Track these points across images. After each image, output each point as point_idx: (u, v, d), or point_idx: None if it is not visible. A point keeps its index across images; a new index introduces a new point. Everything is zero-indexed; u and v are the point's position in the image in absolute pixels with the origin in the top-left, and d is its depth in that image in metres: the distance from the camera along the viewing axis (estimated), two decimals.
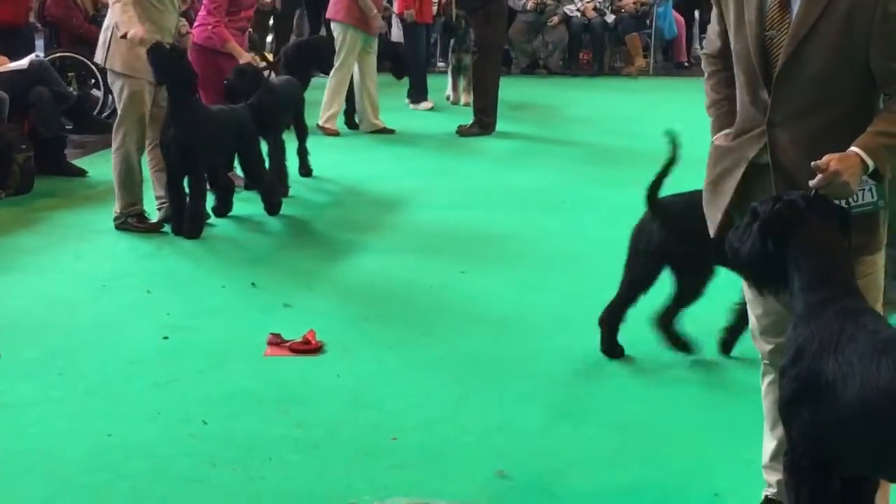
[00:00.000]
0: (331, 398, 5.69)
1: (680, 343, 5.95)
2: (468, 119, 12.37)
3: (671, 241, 5.86)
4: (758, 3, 3.97)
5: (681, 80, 16.83)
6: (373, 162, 11.33)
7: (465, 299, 6.92)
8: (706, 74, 4.35)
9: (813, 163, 3.76)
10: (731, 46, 4.06)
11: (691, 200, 5.35)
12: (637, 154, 10.46)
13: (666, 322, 5.93)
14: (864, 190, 3.98)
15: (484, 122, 12.19)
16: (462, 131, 12.19)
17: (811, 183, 3.76)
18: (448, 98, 14.12)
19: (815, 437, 3.76)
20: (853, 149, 3.81)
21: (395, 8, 13.91)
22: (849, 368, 3.62)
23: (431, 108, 13.97)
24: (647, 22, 17.69)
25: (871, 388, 3.54)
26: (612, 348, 5.93)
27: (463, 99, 13.92)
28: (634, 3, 17.01)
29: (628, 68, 17.18)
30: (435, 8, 14.83)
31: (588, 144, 11.67)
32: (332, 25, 12.42)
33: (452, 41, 14.62)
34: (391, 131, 12.54)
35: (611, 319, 5.97)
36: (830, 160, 3.77)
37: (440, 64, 16.88)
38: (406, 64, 13.16)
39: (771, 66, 3.98)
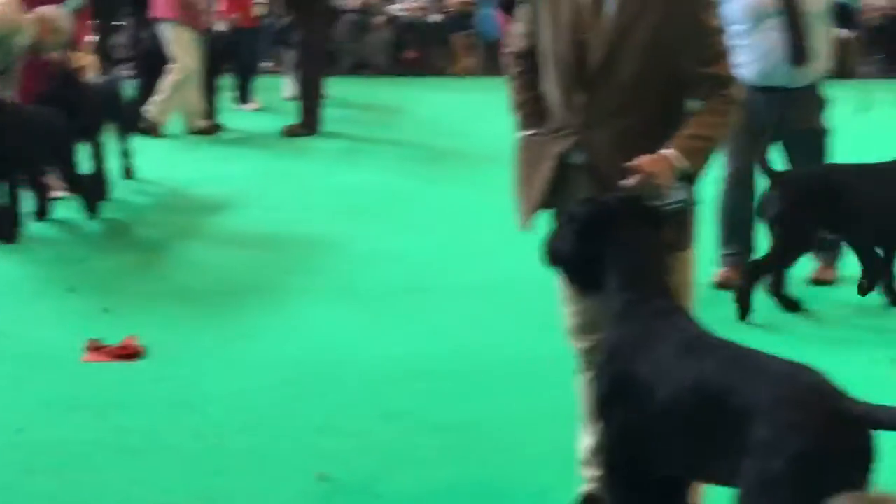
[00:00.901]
0: (151, 403, 5.61)
1: (790, 303, 6.52)
2: (296, 119, 12.44)
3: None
4: (571, 5, 4.02)
5: (504, 79, 16.99)
6: (198, 163, 11.27)
7: (289, 302, 6.89)
8: (513, 74, 4.38)
9: (626, 164, 3.83)
10: (544, 47, 4.10)
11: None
12: (462, 152, 10.57)
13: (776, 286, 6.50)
14: (677, 188, 4.04)
15: (309, 123, 12.22)
16: (288, 131, 12.19)
17: (624, 183, 3.81)
18: (286, 97, 14.19)
19: (631, 436, 3.80)
20: (665, 150, 3.89)
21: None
22: (661, 368, 3.67)
23: (258, 109, 13.93)
24: (471, 22, 17.79)
25: (679, 386, 3.58)
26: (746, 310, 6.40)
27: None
28: (459, 4, 17.08)
29: (453, 68, 17.30)
30: (265, 8, 14.81)
31: (414, 143, 11.78)
32: (161, 24, 12.34)
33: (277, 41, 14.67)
34: (216, 129, 12.52)
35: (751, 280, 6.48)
36: (643, 161, 3.85)
37: (266, 64, 16.73)
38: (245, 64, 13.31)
39: (585, 69, 4.02)
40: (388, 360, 5.68)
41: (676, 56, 4.00)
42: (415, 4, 17.44)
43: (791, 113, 7.03)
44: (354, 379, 5.51)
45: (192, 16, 12.15)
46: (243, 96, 14.11)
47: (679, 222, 4.13)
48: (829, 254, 7.17)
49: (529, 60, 4.28)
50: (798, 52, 6.99)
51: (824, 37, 7.17)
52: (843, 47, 16.53)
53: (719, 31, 4.10)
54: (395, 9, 17.39)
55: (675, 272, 4.12)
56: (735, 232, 7.29)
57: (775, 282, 6.61)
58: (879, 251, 6.77)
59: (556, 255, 4.04)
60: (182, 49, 12.11)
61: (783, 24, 6.98)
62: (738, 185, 7.27)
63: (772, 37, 6.95)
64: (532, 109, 4.29)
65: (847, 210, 6.59)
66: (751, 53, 7.02)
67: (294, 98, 13.22)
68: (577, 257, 3.98)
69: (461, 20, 17.11)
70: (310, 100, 12.37)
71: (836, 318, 6.70)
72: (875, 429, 3.22)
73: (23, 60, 9.39)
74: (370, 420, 4.99)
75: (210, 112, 12.71)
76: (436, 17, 17.50)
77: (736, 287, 6.69)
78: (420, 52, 17.59)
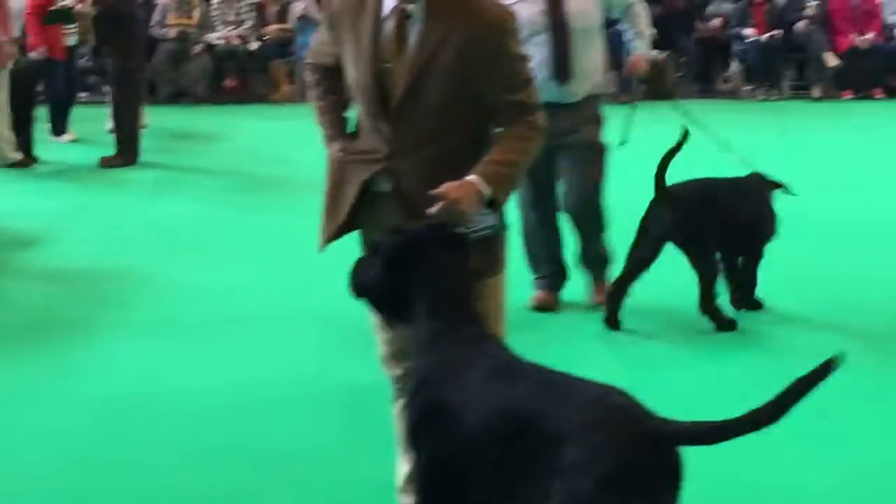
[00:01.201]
0: None
1: (724, 322, 6.59)
2: (112, 149, 12.23)
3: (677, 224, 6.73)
4: (372, 33, 4.03)
5: None
6: (9, 196, 10.96)
7: (102, 337, 6.74)
8: (313, 81, 4.39)
9: (432, 191, 3.83)
10: (348, 73, 4.11)
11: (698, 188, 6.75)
12: (282, 179, 10.55)
13: (706, 303, 6.59)
14: (485, 214, 4.06)
15: (127, 153, 12.06)
16: (105, 163, 11.99)
17: (430, 211, 3.83)
18: (108, 129, 13.80)
19: (442, 463, 3.78)
20: (470, 177, 3.90)
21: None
22: (470, 394, 3.66)
23: (74, 140, 13.61)
24: (291, 49, 17.73)
25: (490, 412, 3.59)
26: (614, 322, 6.60)
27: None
28: (277, 31, 17.05)
29: (273, 95, 17.25)
30: (76, 38, 14.41)
31: (234, 172, 11.68)
32: None
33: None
34: (31, 162, 12.27)
35: (618, 294, 6.64)
36: (449, 188, 3.85)
37: (83, 95, 16.41)
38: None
39: (389, 97, 4.04)
40: (205, 393, 5.62)
41: (480, 84, 4.02)
42: (233, 32, 17.26)
43: (560, 128, 6.93)
44: (171, 413, 5.44)
45: None
46: (57, 128, 13.81)
47: (488, 248, 4.14)
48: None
49: (328, 72, 4.30)
50: (561, 68, 7.02)
51: (594, 54, 7.22)
52: (656, 67, 16.98)
53: (522, 59, 4.13)
54: (213, 37, 17.17)
55: (486, 298, 4.14)
56: (542, 254, 7.39)
57: (707, 300, 6.71)
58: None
59: (362, 285, 4.04)
60: None
61: (549, 40, 7.04)
62: (536, 208, 7.34)
63: (542, 52, 6.97)
64: (335, 116, 4.31)
65: (723, 222, 6.81)
66: None
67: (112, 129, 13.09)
68: (382, 288, 3.98)
69: (280, 48, 17.04)
70: (126, 130, 12.20)
71: (657, 335, 6.80)
72: (683, 445, 3.27)
73: None
74: (188, 455, 4.93)
75: (25, 144, 12.45)
76: (254, 45, 17.41)
77: (607, 304, 6.83)
78: (239, 80, 17.54)
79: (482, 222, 4.09)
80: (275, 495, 4.65)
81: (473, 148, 4.01)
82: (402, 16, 4.03)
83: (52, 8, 13.11)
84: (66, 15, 13.54)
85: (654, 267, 6.77)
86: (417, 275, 3.90)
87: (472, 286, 3.99)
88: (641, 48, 7.33)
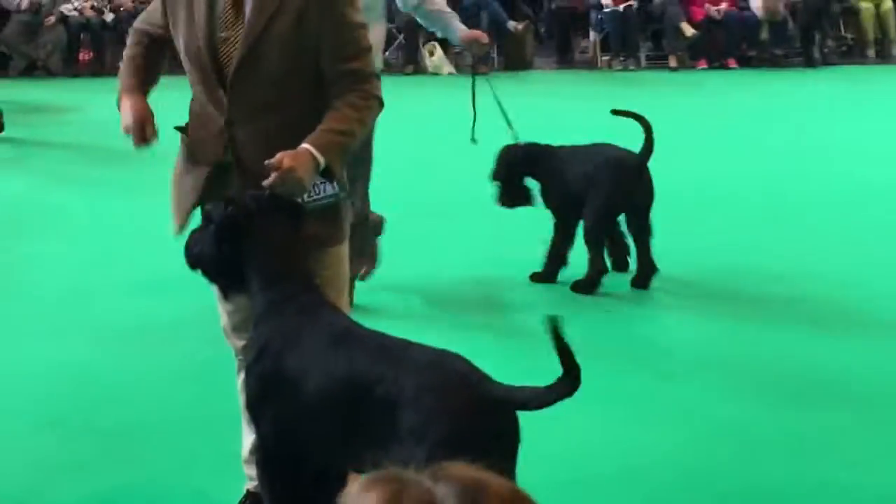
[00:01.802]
0: None
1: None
2: None
3: None
4: (207, 4, 4.02)
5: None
6: None
7: None
8: (129, 44, 4.32)
9: (266, 161, 3.86)
10: (180, 45, 4.10)
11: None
12: (135, 154, 10.48)
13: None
14: (324, 183, 4.11)
15: None
16: None
17: (265, 182, 3.84)
18: None
19: (283, 432, 3.85)
20: (305, 145, 3.92)
21: None
22: (308, 362, 3.72)
23: None
24: None
25: (329, 380, 3.66)
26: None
27: None
28: (133, 2, 16.85)
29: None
30: None
31: (86, 147, 11.52)
32: None
33: None
34: None
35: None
36: (283, 157, 3.87)
37: None
38: None
39: (225, 67, 4.04)
40: (44, 367, 5.58)
41: (318, 52, 4.02)
42: (87, 4, 16.96)
43: None
44: (8, 388, 5.39)
45: None
46: None
47: (330, 217, 4.18)
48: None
49: (151, 38, 4.26)
50: None
51: (374, 32, 7.04)
52: (516, 39, 17.27)
53: (360, 27, 4.14)
54: (66, 8, 16.88)
55: (328, 267, 4.20)
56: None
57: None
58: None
59: (195, 257, 4.06)
60: None
61: None
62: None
63: None
64: (140, 69, 4.22)
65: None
66: None
67: None
68: (215, 259, 4.00)
69: (135, 19, 16.93)
70: None
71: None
72: (519, 409, 3.37)
73: None
74: (26, 429, 4.89)
75: None
76: (109, 17, 17.11)
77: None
78: (94, 52, 17.27)
79: (322, 191, 4.13)
80: (115, 468, 4.65)
81: (313, 119, 4.02)
82: None
83: None
84: None
85: None
86: (250, 245, 3.93)
87: (307, 255, 4.04)
88: (462, 27, 7.36)
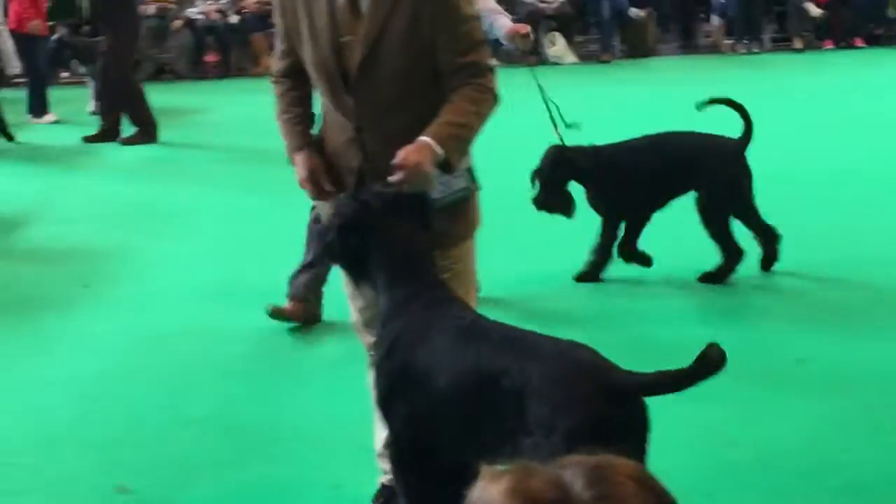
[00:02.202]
0: None
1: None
2: (95, 129, 12.23)
3: None
4: (328, 10, 4.05)
5: None
6: None
7: (83, 315, 6.77)
8: (276, 96, 4.38)
9: (393, 162, 3.85)
10: (307, 58, 4.13)
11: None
12: (266, 153, 10.53)
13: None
14: (459, 177, 4.10)
15: (145, 132, 12.13)
16: (126, 142, 12.06)
17: (392, 179, 3.85)
18: (91, 110, 13.88)
19: (415, 426, 3.88)
20: (423, 138, 3.91)
21: (9, 23, 13.63)
22: (438, 357, 3.73)
23: (55, 121, 13.63)
24: (270, 21, 17.48)
25: (459, 374, 3.67)
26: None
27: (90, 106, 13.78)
28: (257, 3, 17.03)
29: (256, 68, 17.17)
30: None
31: (217, 148, 11.71)
32: None
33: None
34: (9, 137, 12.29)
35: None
36: (407, 153, 3.88)
37: (64, 75, 16.61)
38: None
39: (349, 71, 4.06)
40: (182, 366, 5.67)
41: (434, 47, 4.01)
42: (212, 7, 17.22)
43: None
44: (151, 387, 5.49)
45: None
46: (37, 108, 13.79)
47: (461, 212, 4.18)
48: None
49: (291, 80, 4.31)
50: None
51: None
52: (638, 26, 17.34)
53: (474, 19, 4.14)
54: (192, 12, 17.18)
55: (459, 261, 4.20)
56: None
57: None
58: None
59: (326, 248, 4.14)
60: None
61: None
62: None
63: None
64: (301, 128, 4.31)
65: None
66: None
67: (97, 110, 13.08)
68: (345, 256, 4.04)
69: (260, 20, 17.02)
70: (115, 108, 12.20)
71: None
72: (647, 395, 3.35)
73: None
74: (167, 428, 4.98)
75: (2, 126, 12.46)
76: (234, 19, 17.40)
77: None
78: (220, 54, 17.51)
79: (454, 185, 4.15)
80: (253, 464, 4.71)
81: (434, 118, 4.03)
82: None
83: None
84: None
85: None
86: (374, 246, 3.97)
87: (432, 251, 4.04)
88: (507, 23, 7.30)
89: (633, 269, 7.02)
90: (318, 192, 4.24)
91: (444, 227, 4.15)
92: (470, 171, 4.23)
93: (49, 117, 13.74)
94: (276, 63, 4.39)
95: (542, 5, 17.71)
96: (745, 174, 6.96)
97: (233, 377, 5.56)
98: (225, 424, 4.98)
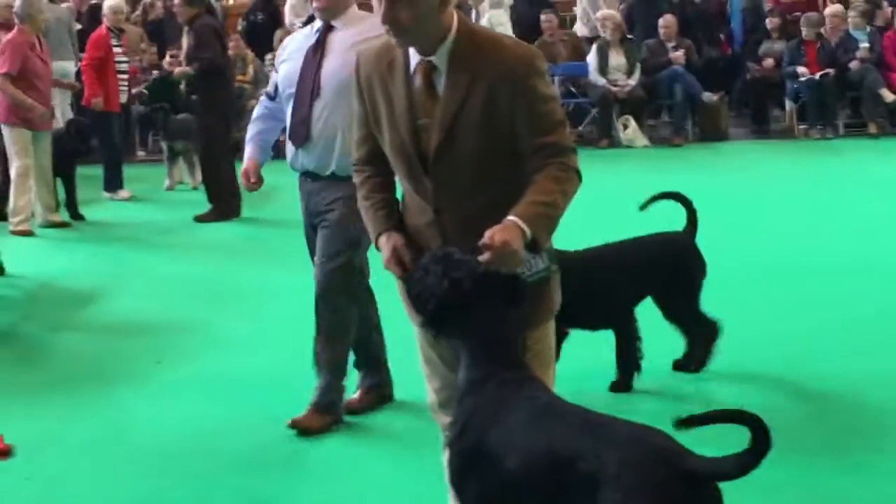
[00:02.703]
0: (16, 502, 5.62)
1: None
2: (170, 206, 12.56)
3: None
4: (406, 93, 4.09)
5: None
6: (67, 255, 11.32)
7: (160, 390, 6.85)
8: (358, 184, 4.42)
9: (480, 242, 3.86)
10: (386, 142, 4.20)
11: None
12: None
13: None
14: (535, 258, 4.08)
15: (220, 208, 12.37)
16: (200, 218, 12.33)
17: (481, 258, 3.87)
18: (166, 187, 14.25)
19: None
20: (511, 218, 3.89)
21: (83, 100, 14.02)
22: (511, 437, 3.73)
23: (130, 198, 13.98)
24: None
25: (530, 455, 3.66)
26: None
27: (191, 182, 14.14)
28: None
29: None
30: (125, 97, 14.95)
31: (297, 225, 11.47)
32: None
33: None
34: (66, 224, 12.63)
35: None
36: (494, 233, 3.86)
37: (140, 153, 17.08)
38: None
39: (427, 154, 4.11)
40: (251, 447, 5.73)
41: (513, 129, 4.03)
42: None
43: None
44: (226, 467, 5.55)
45: (24, 118, 12.29)
46: (112, 184, 14.14)
47: (542, 293, 4.19)
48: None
49: (372, 166, 4.35)
50: None
51: None
52: (711, 110, 17.74)
53: (552, 99, 4.13)
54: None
55: (537, 342, 4.23)
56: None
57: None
58: None
59: (422, 309, 4.11)
60: (17, 148, 12.40)
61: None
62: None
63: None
64: (385, 212, 4.34)
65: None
66: None
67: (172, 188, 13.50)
68: (436, 327, 4.04)
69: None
70: (223, 185, 12.48)
71: None
72: (720, 481, 3.37)
73: None
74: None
75: (71, 204, 12.90)
76: None
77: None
78: None
79: (535, 265, 4.14)
80: None
81: (514, 200, 4.03)
82: (427, 70, 4.12)
83: (156, 77, 14.21)
84: (171, 84, 14.54)
85: None
86: (459, 325, 3.97)
87: (515, 334, 4.04)
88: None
89: None
90: (403, 272, 4.24)
91: (525, 308, 4.12)
92: (550, 252, 4.21)
93: (124, 193, 14.05)
94: (356, 151, 4.43)
95: (614, 88, 17.69)
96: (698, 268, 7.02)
97: (301, 458, 5.59)
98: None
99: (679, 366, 6.99)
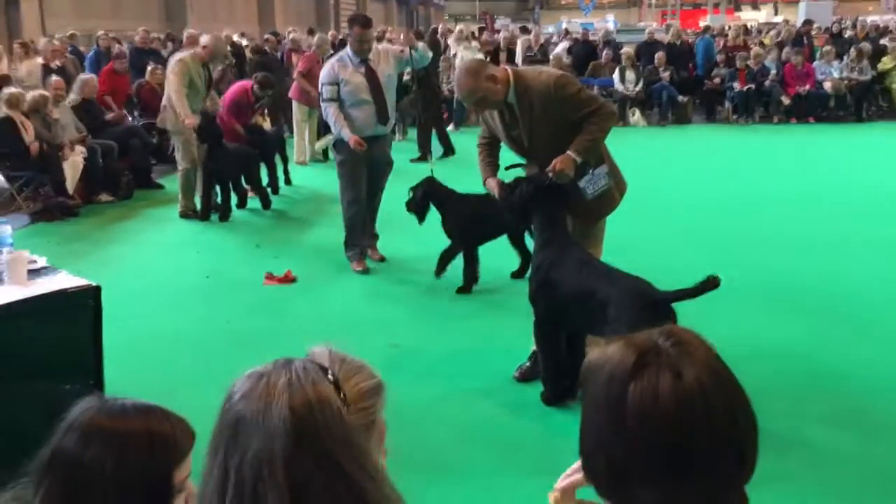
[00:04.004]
0: (299, 308, 7.48)
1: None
2: None
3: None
4: (500, 119, 5.40)
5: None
6: (323, 173, 13.98)
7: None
8: (478, 150, 5.70)
9: (547, 168, 5.13)
10: (501, 139, 5.59)
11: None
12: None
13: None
14: (600, 176, 5.31)
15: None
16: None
17: (548, 171, 5.15)
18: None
19: (549, 312, 5.15)
20: (568, 151, 5.13)
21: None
22: (564, 276, 4.92)
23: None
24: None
25: (574, 286, 4.87)
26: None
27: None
28: None
29: None
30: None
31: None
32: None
33: None
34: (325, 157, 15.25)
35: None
36: (555, 162, 5.13)
37: None
38: None
39: (523, 144, 5.38)
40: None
41: (566, 115, 5.22)
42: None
43: (383, 152, 9.01)
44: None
45: (308, 98, 15.05)
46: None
47: (607, 199, 5.38)
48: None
49: (487, 141, 5.69)
50: (383, 115, 8.87)
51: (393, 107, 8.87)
52: (683, 107, 21.38)
53: (581, 91, 5.28)
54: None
55: (598, 229, 5.51)
56: (354, 234, 9.06)
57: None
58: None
59: (510, 208, 5.45)
60: (300, 115, 15.60)
61: (373, 99, 8.76)
62: (356, 203, 8.96)
63: (368, 107, 8.73)
64: (490, 161, 5.66)
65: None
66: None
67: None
68: (518, 213, 5.39)
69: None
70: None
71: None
72: (676, 301, 4.58)
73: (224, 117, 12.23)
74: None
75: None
76: None
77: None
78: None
79: (598, 183, 5.27)
80: None
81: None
82: (507, 106, 5.30)
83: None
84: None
85: None
86: (535, 208, 5.22)
87: (565, 217, 5.22)
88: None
89: None
90: (502, 193, 5.43)
91: (594, 207, 5.35)
92: (608, 174, 5.33)
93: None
94: (481, 137, 5.65)
95: (627, 92, 20.96)
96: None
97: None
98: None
99: (514, 275, 8.44)
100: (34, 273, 5.10)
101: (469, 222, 8.20)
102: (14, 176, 12.39)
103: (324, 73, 8.73)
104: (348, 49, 8.82)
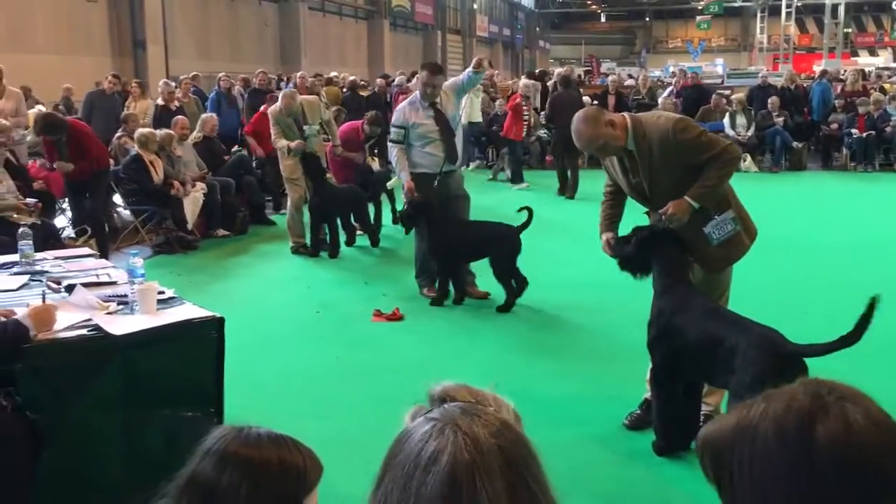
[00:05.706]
0: (405, 342, 7.51)
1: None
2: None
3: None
4: (621, 167, 5.29)
5: None
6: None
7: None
8: (603, 197, 5.62)
9: (660, 210, 5.05)
10: (622, 188, 5.48)
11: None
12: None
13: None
14: (725, 221, 5.11)
15: None
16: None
17: (661, 213, 5.06)
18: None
19: (669, 359, 4.95)
20: (685, 197, 5.00)
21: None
22: (690, 322, 4.76)
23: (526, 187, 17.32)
24: None
25: (701, 333, 4.69)
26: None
27: None
28: None
29: None
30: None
31: None
32: None
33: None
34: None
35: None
36: (669, 206, 5.01)
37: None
38: None
39: (644, 192, 5.22)
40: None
41: (687, 160, 5.07)
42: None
43: (456, 184, 9.30)
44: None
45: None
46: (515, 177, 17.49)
47: (735, 244, 5.21)
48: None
49: (613, 190, 5.57)
50: (452, 154, 9.19)
51: (459, 146, 9.26)
52: (798, 153, 20.88)
53: (699, 133, 5.11)
54: None
55: (723, 276, 5.32)
56: (426, 264, 9.46)
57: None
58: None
59: (622, 257, 5.32)
60: None
61: (442, 139, 9.08)
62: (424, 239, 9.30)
63: (437, 147, 9.06)
64: (611, 213, 5.56)
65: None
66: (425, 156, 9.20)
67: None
68: (635, 259, 5.27)
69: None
70: None
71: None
72: (809, 356, 4.33)
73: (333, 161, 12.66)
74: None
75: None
76: None
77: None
78: None
79: (724, 229, 5.11)
80: None
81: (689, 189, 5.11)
82: (627, 153, 5.21)
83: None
84: None
85: None
86: (655, 254, 5.12)
87: (686, 264, 5.08)
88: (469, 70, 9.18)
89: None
90: (612, 251, 5.41)
91: (721, 253, 5.20)
92: (734, 218, 5.15)
93: (522, 185, 17.79)
94: (606, 185, 5.56)
95: (738, 137, 20.01)
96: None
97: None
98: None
99: (500, 308, 8.65)
100: (162, 303, 5.17)
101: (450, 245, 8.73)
102: (137, 210, 12.95)
103: (395, 116, 9.16)
104: (418, 93, 9.19)
